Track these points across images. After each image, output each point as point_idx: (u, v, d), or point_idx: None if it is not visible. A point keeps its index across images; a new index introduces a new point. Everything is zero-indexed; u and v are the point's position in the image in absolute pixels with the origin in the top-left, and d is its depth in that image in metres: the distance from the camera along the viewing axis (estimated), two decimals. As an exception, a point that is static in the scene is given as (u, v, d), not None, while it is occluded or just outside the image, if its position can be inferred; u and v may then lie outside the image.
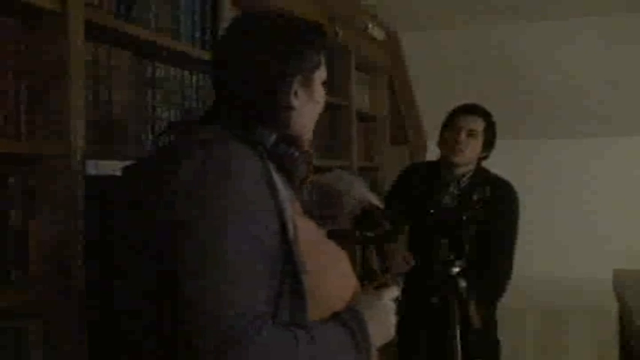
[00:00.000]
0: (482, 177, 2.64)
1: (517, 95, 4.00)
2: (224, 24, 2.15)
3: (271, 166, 1.15)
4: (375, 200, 1.61)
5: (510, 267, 2.55)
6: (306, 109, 1.27)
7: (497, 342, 2.67)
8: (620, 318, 2.85)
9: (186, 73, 1.98)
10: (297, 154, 1.23)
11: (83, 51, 1.51)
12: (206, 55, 2.05)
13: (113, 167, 1.69)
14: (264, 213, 1.07)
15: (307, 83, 1.26)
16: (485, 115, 2.63)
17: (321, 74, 1.30)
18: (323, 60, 1.30)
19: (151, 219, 1.12)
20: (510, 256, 2.57)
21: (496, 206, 2.59)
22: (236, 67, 1.22)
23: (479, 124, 2.60)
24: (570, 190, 4.00)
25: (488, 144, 2.64)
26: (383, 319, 1.21)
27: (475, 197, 2.59)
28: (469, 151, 2.58)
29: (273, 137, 1.21)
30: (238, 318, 0.98)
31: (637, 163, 3.97)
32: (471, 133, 2.58)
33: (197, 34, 2.03)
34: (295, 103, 1.24)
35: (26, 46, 1.45)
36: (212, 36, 2.10)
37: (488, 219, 2.56)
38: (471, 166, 2.63)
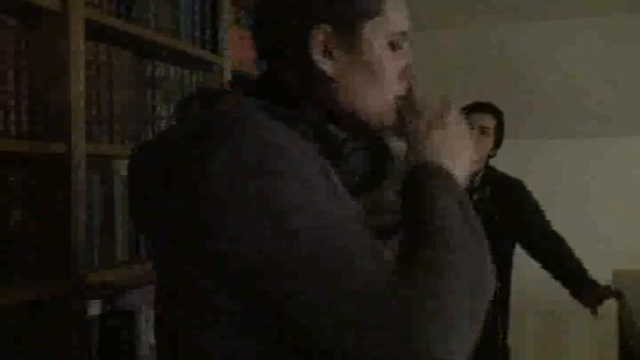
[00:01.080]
0: (491, 175, 2.63)
1: (517, 95, 4.00)
2: (224, 23, 2.15)
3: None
4: None
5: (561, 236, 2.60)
6: (355, 76, 0.88)
7: (507, 349, 2.63)
8: (620, 318, 2.86)
9: (186, 72, 1.99)
10: (342, 136, 0.89)
11: (83, 50, 1.52)
12: (206, 54, 2.06)
13: (113, 166, 1.70)
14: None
15: (347, 38, 0.87)
16: (496, 113, 2.63)
17: (387, 22, 0.88)
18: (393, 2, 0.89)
19: (152, 217, 0.84)
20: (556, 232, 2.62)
21: (508, 203, 2.57)
22: (262, 20, 0.92)
23: (490, 121, 2.60)
24: (570, 190, 4.01)
25: (498, 142, 2.64)
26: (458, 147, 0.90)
27: (475, 197, 2.59)
28: (481, 148, 2.58)
29: (314, 114, 0.89)
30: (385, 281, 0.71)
31: (637, 163, 3.98)
32: (483, 131, 2.58)
33: (197, 34, 2.04)
34: (326, 66, 0.87)
35: (27, 45, 1.45)
36: (212, 35, 2.10)
37: (491, 216, 2.52)
38: (481, 164, 2.62)
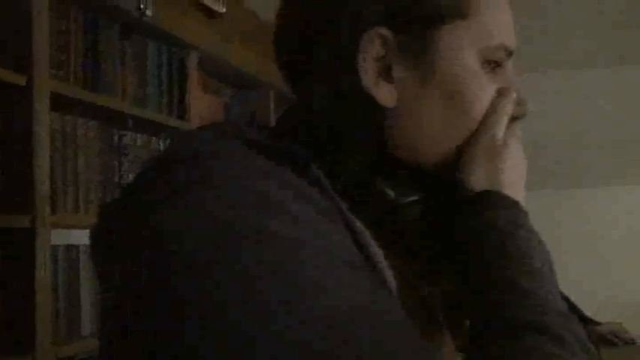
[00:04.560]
0: None
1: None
2: (190, 90, 2.27)
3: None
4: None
5: None
6: (423, 103, 0.60)
7: None
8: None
9: (153, 139, 2.09)
10: (400, 197, 0.61)
11: (48, 123, 1.61)
12: (172, 121, 2.17)
13: (80, 236, 1.78)
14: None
15: (414, 47, 0.59)
16: None
17: (480, 28, 0.60)
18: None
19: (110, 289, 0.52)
20: None
21: None
22: (285, 23, 0.64)
23: None
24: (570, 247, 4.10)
25: None
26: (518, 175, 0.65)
27: None
28: None
29: (356, 163, 0.61)
30: None
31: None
32: None
33: (164, 101, 2.16)
34: (379, 90, 0.59)
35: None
36: (178, 102, 2.22)
37: None
38: None
